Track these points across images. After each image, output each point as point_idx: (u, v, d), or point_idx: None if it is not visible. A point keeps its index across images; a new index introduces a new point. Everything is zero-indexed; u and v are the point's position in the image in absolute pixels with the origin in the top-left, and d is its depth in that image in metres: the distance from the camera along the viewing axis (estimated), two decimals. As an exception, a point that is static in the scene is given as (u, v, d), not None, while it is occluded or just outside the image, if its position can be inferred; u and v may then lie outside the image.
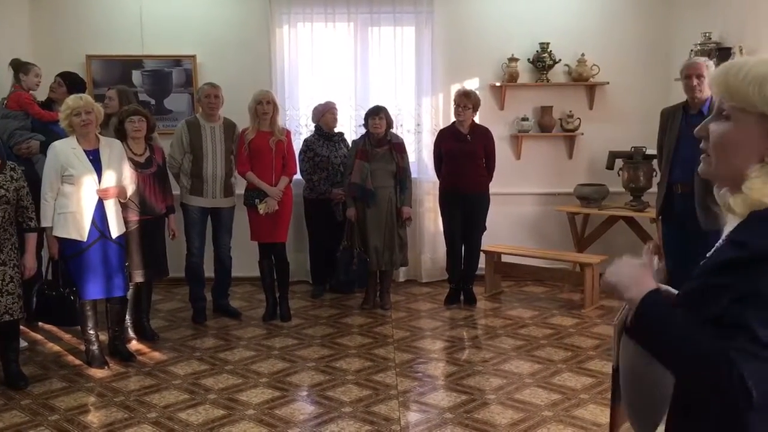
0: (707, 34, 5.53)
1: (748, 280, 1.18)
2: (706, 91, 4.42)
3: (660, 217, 4.75)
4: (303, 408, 4.02)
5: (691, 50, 5.55)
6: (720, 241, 1.35)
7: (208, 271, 5.62)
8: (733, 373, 1.15)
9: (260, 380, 4.34)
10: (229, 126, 5.49)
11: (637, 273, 1.34)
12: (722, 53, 5.31)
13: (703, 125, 1.37)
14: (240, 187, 5.55)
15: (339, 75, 6.44)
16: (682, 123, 4.55)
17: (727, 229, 1.34)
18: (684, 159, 4.51)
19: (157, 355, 4.81)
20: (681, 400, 1.32)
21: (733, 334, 1.17)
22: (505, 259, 6.24)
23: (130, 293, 4.87)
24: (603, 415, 3.77)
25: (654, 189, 5.23)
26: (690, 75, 4.43)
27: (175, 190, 5.39)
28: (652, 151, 5.34)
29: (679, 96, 4.65)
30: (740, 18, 5.27)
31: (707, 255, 1.35)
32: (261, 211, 5.25)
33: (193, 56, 6.37)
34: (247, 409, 3.92)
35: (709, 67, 4.43)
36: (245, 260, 5.82)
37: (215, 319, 5.58)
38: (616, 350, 1.46)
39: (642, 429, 1.45)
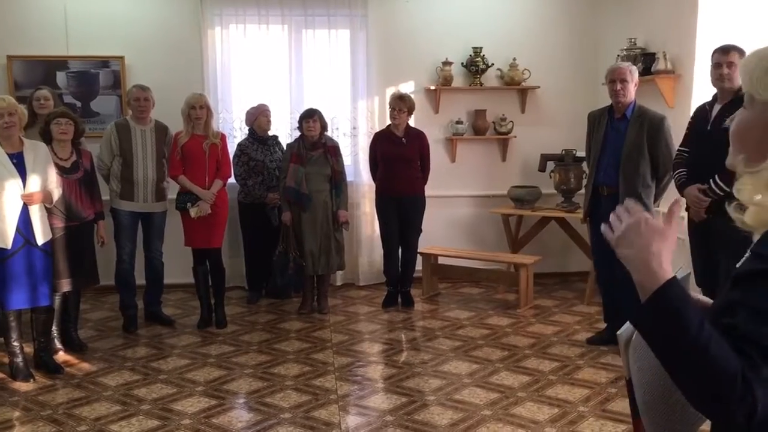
0: (632, 40, 5.72)
1: (765, 293, 1.09)
2: (630, 96, 4.56)
3: (588, 219, 4.88)
4: (241, 416, 3.93)
5: (618, 55, 5.73)
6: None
7: (139, 278, 5.45)
8: (747, 398, 1.05)
9: (196, 389, 4.23)
10: (160, 129, 5.35)
11: (653, 249, 1.16)
12: (647, 58, 5.50)
13: (731, 118, 1.27)
14: (172, 192, 5.42)
15: (273, 77, 6.37)
16: (607, 126, 4.68)
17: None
18: (609, 162, 4.64)
19: (86, 366, 4.63)
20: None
21: (747, 349, 1.07)
22: (441, 261, 6.29)
23: (56, 302, 4.68)
24: (540, 413, 3.84)
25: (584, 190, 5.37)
26: (614, 80, 4.56)
27: (105, 195, 5.21)
28: (582, 153, 5.48)
29: (606, 100, 4.78)
30: (663, 25, 5.47)
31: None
32: (193, 215, 5.14)
33: (122, 57, 6.18)
34: (183, 419, 3.81)
35: (632, 72, 4.58)
36: (178, 266, 5.68)
37: (147, 327, 5.42)
38: (625, 362, 1.35)
39: None
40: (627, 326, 1.29)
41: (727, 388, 1.05)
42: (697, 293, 1.41)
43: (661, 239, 1.18)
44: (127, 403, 4.03)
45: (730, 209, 1.22)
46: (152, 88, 5.33)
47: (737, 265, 1.22)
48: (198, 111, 5.19)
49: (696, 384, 1.09)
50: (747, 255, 1.20)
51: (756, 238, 1.21)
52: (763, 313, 1.08)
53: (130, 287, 5.37)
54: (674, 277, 1.14)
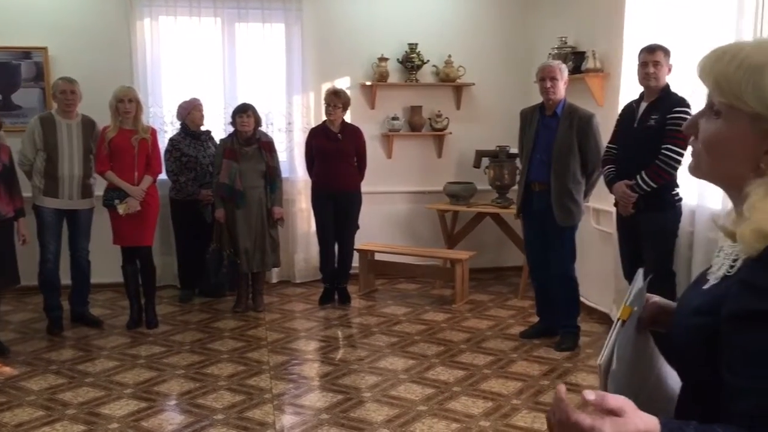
0: (563, 39, 5.83)
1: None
2: (560, 93, 4.64)
3: (521, 214, 4.95)
4: (172, 418, 3.83)
5: (549, 53, 5.82)
6: (723, 270, 1.12)
7: (65, 278, 5.25)
8: None
9: (124, 391, 4.10)
10: (87, 123, 5.17)
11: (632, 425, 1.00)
12: (577, 57, 5.61)
13: (692, 121, 1.16)
14: (100, 188, 5.23)
15: (206, 71, 6.23)
16: (538, 124, 4.76)
17: (727, 255, 1.12)
18: (540, 158, 4.72)
19: (7, 370, 4.42)
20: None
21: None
22: (378, 257, 6.28)
23: (-26, 305, 4.46)
24: (475, 407, 3.87)
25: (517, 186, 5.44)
26: (544, 77, 4.63)
27: (27, 192, 5.00)
28: (515, 150, 5.56)
29: (539, 97, 4.85)
30: (592, 24, 5.59)
31: (713, 281, 1.14)
32: (121, 212, 4.97)
33: (45, 48, 5.93)
34: (111, 423, 3.69)
35: (562, 71, 4.65)
36: (106, 265, 5.50)
37: (73, 329, 5.22)
38: (602, 389, 1.23)
39: None
40: (606, 354, 1.21)
41: None
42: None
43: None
44: (51, 408, 3.87)
45: (729, 224, 1.12)
46: (78, 81, 5.14)
47: (713, 282, 1.13)
48: (127, 105, 5.03)
49: None
50: (736, 282, 1.07)
51: (728, 254, 1.12)
52: None
53: (54, 288, 5.15)
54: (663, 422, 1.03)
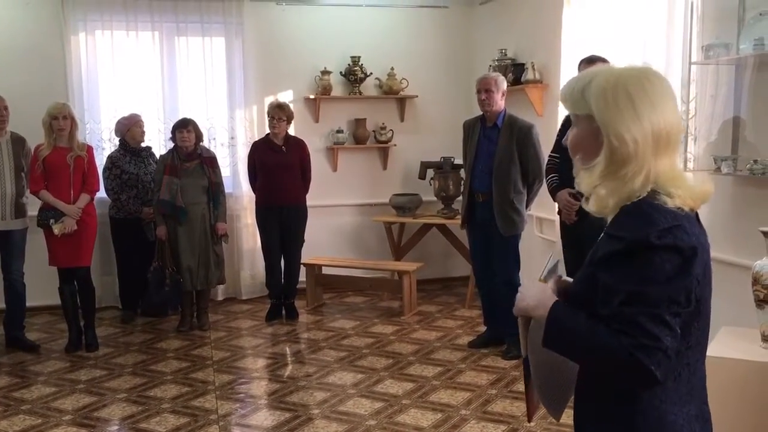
0: (503, 51, 5.91)
1: (631, 277, 1.37)
2: (496, 105, 4.69)
3: (466, 224, 4.98)
4: (113, 444, 3.71)
5: (490, 65, 5.91)
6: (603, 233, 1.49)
7: (-1, 301, 5.06)
8: (635, 363, 1.35)
9: (63, 418, 3.95)
10: (17, 141, 5.01)
11: (539, 292, 1.53)
12: (517, 68, 5.70)
13: (566, 138, 1.58)
14: (33, 208, 5.06)
15: (145, 86, 6.11)
16: (480, 135, 4.81)
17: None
18: (482, 169, 4.76)
19: (-64, 401, 4.23)
20: (585, 381, 1.54)
21: (629, 331, 1.36)
22: (325, 271, 6.24)
23: None
24: (424, 419, 3.86)
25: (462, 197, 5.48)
26: (480, 89, 4.69)
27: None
28: (459, 160, 5.60)
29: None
30: (531, 37, 5.70)
31: (596, 244, 1.49)
32: (56, 232, 4.81)
33: (-29, 64, 5.73)
34: (48, 452, 3.55)
35: (498, 83, 4.70)
36: (43, 287, 5.32)
37: (8, 354, 5.02)
38: (524, 341, 1.61)
39: (553, 408, 1.65)
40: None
41: (622, 365, 1.37)
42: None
43: (539, 296, 1.54)
44: (-17, 440, 3.70)
45: (583, 202, 1.52)
46: (7, 97, 4.98)
47: (598, 242, 1.49)
48: (61, 122, 4.88)
49: (602, 367, 1.44)
50: (602, 236, 1.48)
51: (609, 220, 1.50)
52: (635, 299, 1.36)
53: (-13, 312, 4.96)
54: (557, 302, 1.49)
